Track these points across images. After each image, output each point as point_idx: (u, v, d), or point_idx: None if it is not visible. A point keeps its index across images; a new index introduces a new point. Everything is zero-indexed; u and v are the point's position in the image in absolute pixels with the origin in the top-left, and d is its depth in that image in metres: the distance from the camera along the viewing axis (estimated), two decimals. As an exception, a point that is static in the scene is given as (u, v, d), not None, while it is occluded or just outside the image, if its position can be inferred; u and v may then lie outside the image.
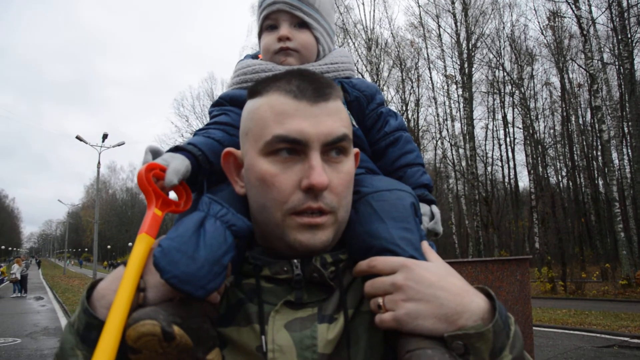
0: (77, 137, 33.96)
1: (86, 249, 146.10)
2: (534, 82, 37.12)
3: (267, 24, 1.36)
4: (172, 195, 1.08)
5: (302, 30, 1.34)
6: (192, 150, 1.09)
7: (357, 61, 34.21)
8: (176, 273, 0.84)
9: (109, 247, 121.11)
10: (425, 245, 1.03)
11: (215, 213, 0.93)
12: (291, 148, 0.95)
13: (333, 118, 0.97)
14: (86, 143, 34.38)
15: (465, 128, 34.67)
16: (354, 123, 1.31)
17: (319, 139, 0.94)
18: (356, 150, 1.11)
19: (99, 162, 36.55)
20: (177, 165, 1.03)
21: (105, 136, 35.34)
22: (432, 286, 0.88)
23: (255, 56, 1.45)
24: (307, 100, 0.96)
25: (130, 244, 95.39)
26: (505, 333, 0.85)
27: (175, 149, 1.10)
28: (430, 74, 38.78)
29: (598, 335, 12.24)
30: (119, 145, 36.69)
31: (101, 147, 35.87)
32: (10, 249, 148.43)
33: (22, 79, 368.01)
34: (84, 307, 0.90)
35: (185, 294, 0.86)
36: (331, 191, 0.95)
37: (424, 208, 1.29)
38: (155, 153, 1.09)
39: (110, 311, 0.84)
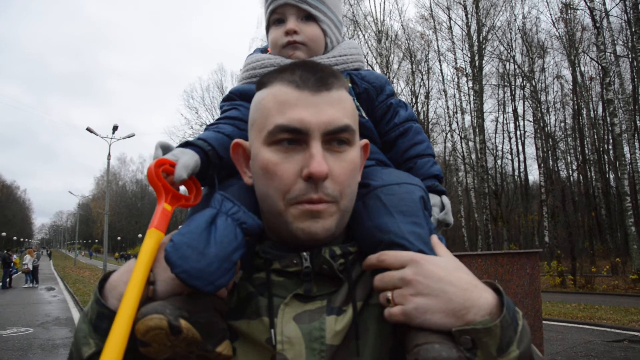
0: (88, 129, 34.09)
1: (96, 240, 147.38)
2: (545, 75, 36.86)
3: (274, 18, 1.36)
4: (183, 189, 1.09)
5: (309, 23, 1.34)
6: (202, 145, 1.11)
7: (367, 53, 34.05)
8: (186, 268, 0.85)
9: (119, 238, 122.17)
10: (434, 239, 1.03)
11: (227, 210, 0.94)
12: (293, 137, 0.96)
13: (335, 107, 0.98)
14: (97, 135, 34.50)
15: (475, 121, 34.45)
16: (364, 115, 1.31)
17: (319, 128, 0.95)
18: (365, 141, 1.12)
19: (109, 154, 36.69)
20: (187, 161, 1.04)
21: (115, 128, 35.44)
22: (441, 281, 0.89)
23: (264, 50, 1.46)
24: (308, 89, 0.97)
25: (140, 235, 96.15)
26: (513, 328, 0.86)
27: (185, 144, 1.11)
28: (441, 66, 38.65)
29: (608, 329, 12.19)
30: (129, 137, 36.78)
31: (111, 138, 35.99)
32: (22, 240, 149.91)
33: (28, 72, 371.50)
34: (96, 298, 0.92)
35: (194, 289, 0.87)
36: (333, 180, 0.96)
37: (434, 199, 1.29)
38: (165, 148, 1.10)
39: (120, 303, 0.86)
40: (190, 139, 1.15)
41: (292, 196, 0.95)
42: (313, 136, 0.94)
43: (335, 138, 0.97)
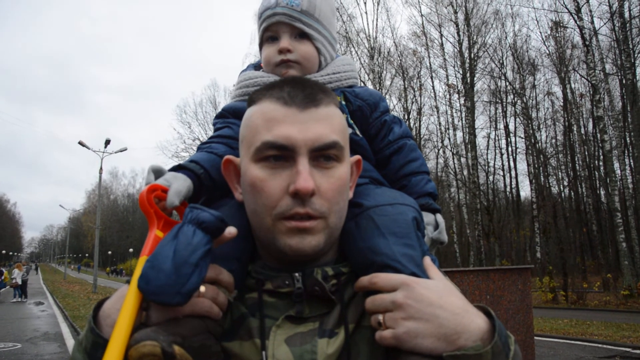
0: (80, 143, 34.02)
1: (87, 255, 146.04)
2: (535, 92, 37.18)
3: (268, 36, 1.35)
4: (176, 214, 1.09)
5: (303, 41, 1.33)
6: (194, 169, 1.11)
7: (360, 69, 34.25)
8: (152, 289, 0.86)
9: (109, 252, 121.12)
10: (427, 261, 1.03)
11: (190, 218, 0.93)
12: (279, 154, 0.96)
13: (322, 124, 0.98)
14: (89, 148, 34.42)
15: (467, 137, 34.65)
16: (358, 133, 1.31)
17: (306, 145, 0.95)
18: (357, 157, 1.12)
19: (101, 168, 36.57)
20: (179, 186, 1.04)
21: (107, 142, 35.37)
22: (432, 305, 0.88)
23: (257, 66, 1.45)
24: (296, 106, 0.97)
25: (131, 250, 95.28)
26: (505, 354, 0.86)
27: (178, 168, 1.11)
28: (433, 83, 38.65)
29: (600, 345, 12.18)
30: (121, 151, 36.67)
31: (103, 152, 35.88)
32: (11, 253, 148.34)
33: (15, 84, 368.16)
34: (91, 327, 0.91)
35: (165, 305, 0.87)
36: (321, 196, 0.96)
37: (428, 217, 1.28)
38: (157, 173, 1.10)
39: (113, 330, 0.85)
40: (183, 162, 1.15)
41: (278, 212, 0.95)
42: (300, 152, 0.95)
43: (322, 154, 0.97)
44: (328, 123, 0.99)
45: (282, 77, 1.32)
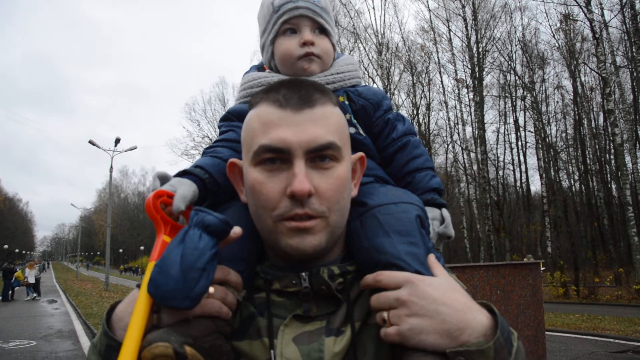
0: (90, 142, 34.24)
1: (98, 253, 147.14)
2: (545, 86, 36.95)
3: (286, 28, 1.32)
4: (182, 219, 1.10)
5: (322, 37, 1.34)
6: (199, 174, 1.13)
7: (368, 65, 34.22)
8: (161, 294, 0.88)
9: (120, 250, 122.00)
10: (431, 258, 1.04)
11: (195, 221, 0.94)
12: (276, 157, 0.98)
13: (317, 125, 0.99)
14: (99, 147, 34.64)
15: (476, 132, 34.50)
16: (361, 132, 1.32)
17: (301, 147, 0.96)
18: (360, 154, 1.14)
19: (111, 167, 36.85)
20: (184, 191, 1.06)
21: (117, 141, 35.57)
22: (436, 302, 0.90)
23: (261, 67, 1.45)
24: (291, 108, 0.99)
25: (142, 247, 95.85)
26: (507, 350, 0.88)
27: (183, 173, 1.13)
28: (441, 77, 38.34)
29: (612, 340, 12.13)
30: (131, 149, 36.84)
31: (113, 151, 36.10)
32: (23, 252, 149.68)
33: (9, 86, 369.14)
34: (104, 330, 0.95)
35: (175, 309, 0.90)
36: (319, 196, 0.97)
37: (434, 212, 1.29)
38: (163, 178, 1.12)
39: (126, 332, 0.88)
40: (188, 167, 1.17)
41: (278, 213, 0.97)
42: (296, 155, 0.96)
43: (319, 155, 0.99)
44: (324, 123, 1.00)
45: (303, 71, 1.32)
